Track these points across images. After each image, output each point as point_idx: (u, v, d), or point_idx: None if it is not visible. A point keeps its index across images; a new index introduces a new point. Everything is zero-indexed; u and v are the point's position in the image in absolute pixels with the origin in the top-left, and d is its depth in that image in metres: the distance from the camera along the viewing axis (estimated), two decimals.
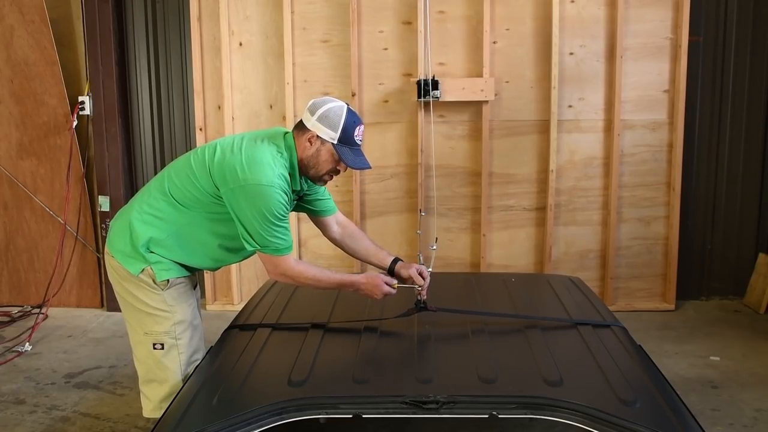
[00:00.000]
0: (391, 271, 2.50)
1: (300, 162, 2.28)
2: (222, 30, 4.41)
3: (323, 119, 2.22)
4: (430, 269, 2.49)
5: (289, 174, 2.25)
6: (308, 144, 2.25)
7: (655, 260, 4.59)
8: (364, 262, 2.65)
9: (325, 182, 2.38)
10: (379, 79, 4.47)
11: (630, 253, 4.58)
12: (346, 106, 2.27)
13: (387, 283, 2.36)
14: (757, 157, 4.63)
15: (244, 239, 2.21)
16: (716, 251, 4.75)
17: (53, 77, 4.53)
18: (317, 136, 2.24)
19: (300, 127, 2.29)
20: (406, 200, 4.57)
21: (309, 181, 2.39)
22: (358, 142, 2.28)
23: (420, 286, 2.43)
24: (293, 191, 2.31)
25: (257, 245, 2.20)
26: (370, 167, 2.34)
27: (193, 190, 2.25)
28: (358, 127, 2.26)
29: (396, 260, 2.53)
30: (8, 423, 3.14)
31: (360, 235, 2.65)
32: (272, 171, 2.17)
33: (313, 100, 2.29)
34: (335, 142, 2.23)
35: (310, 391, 1.87)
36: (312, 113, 2.25)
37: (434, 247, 2.67)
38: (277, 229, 2.19)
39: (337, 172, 2.33)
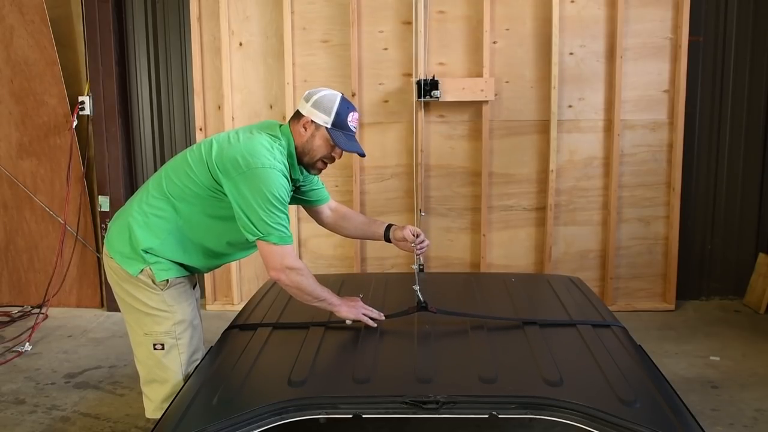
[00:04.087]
0: (387, 238, 2.61)
1: (296, 150, 2.32)
2: (222, 30, 4.41)
3: (317, 105, 2.28)
4: (422, 236, 2.58)
5: (288, 163, 2.29)
6: (303, 130, 2.30)
7: (655, 260, 4.59)
8: (362, 239, 2.71)
9: (319, 170, 2.39)
10: (379, 79, 4.47)
11: (630, 253, 4.59)
12: (340, 94, 2.32)
13: (362, 312, 2.35)
14: (757, 157, 4.63)
15: (246, 230, 2.19)
16: (716, 251, 4.75)
17: (53, 77, 4.53)
18: (311, 120, 2.28)
19: (296, 115, 2.35)
20: (406, 200, 4.57)
21: (304, 172, 2.43)
22: (352, 129, 2.31)
23: (413, 243, 2.53)
24: (291, 179, 2.33)
25: (260, 233, 2.18)
26: (362, 152, 2.38)
27: (191, 185, 2.26)
28: (351, 114, 2.30)
29: (390, 226, 2.64)
30: (8, 423, 3.14)
31: (352, 214, 2.74)
32: (272, 155, 2.21)
33: (308, 90, 2.36)
34: (329, 126, 2.27)
35: (310, 391, 1.86)
36: (307, 101, 2.31)
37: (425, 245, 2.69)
38: (280, 215, 2.19)
39: (332, 159, 2.35)
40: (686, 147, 4.49)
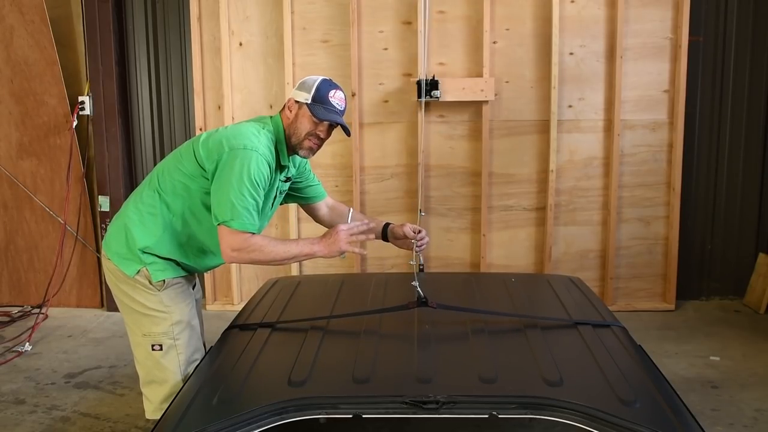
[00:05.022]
0: (385, 236, 2.62)
1: (285, 134, 2.35)
2: (222, 30, 4.42)
3: (301, 86, 2.36)
4: (423, 233, 2.58)
5: (277, 150, 2.31)
6: (289, 111, 2.35)
7: (655, 260, 4.59)
8: None
9: (310, 149, 2.36)
10: (379, 79, 4.47)
11: (630, 253, 4.59)
12: (326, 77, 2.37)
13: (347, 241, 2.24)
14: (757, 157, 4.63)
15: (214, 213, 2.18)
16: (716, 251, 4.75)
17: (53, 77, 4.53)
18: (295, 100, 2.34)
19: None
20: (406, 200, 4.57)
21: (298, 164, 2.47)
22: (334, 105, 2.33)
23: (413, 239, 2.54)
24: (282, 167, 2.35)
25: (224, 217, 2.15)
26: (343, 123, 2.36)
27: (181, 177, 2.28)
28: (333, 91, 2.34)
29: (388, 224, 2.65)
30: (8, 423, 3.14)
31: (348, 211, 2.74)
32: (257, 139, 2.24)
33: None
34: (309, 101, 2.31)
35: (310, 391, 1.86)
36: (295, 87, 2.40)
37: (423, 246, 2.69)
38: (249, 200, 2.16)
39: (318, 137, 2.34)
40: (686, 147, 4.49)
